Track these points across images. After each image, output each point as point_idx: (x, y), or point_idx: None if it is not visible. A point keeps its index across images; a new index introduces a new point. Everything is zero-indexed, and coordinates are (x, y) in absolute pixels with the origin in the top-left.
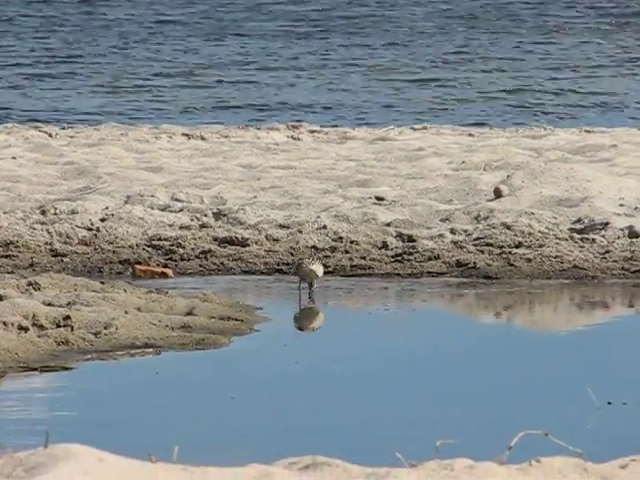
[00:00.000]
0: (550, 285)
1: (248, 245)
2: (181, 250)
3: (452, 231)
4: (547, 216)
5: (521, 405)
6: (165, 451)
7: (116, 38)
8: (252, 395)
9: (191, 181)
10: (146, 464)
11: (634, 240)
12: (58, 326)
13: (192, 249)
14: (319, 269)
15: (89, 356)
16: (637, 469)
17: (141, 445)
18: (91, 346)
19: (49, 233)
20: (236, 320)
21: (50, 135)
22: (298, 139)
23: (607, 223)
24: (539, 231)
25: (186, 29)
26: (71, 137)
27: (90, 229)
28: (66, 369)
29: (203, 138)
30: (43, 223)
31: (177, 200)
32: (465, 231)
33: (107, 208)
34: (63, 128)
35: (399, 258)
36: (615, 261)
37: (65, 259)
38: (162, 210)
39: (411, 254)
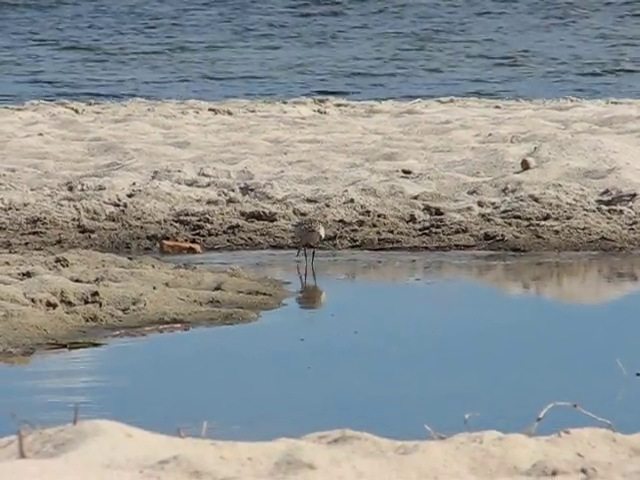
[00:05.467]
0: (578, 257)
1: (276, 220)
2: (209, 225)
3: (480, 204)
4: (574, 188)
5: (550, 377)
6: (194, 426)
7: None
8: (283, 369)
9: (218, 156)
10: (175, 439)
11: None
12: (86, 302)
13: (220, 224)
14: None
15: (117, 332)
16: None
17: (170, 421)
18: (119, 322)
19: (76, 209)
20: (264, 294)
21: (76, 111)
22: (325, 113)
23: (634, 194)
24: (567, 203)
25: None
26: (97, 113)
27: (117, 205)
28: (95, 345)
29: (230, 113)
30: (70, 199)
31: (204, 175)
32: (492, 204)
33: (134, 184)
34: (89, 104)
35: (427, 231)
36: None
37: (93, 235)
38: (189, 185)
39: (439, 227)
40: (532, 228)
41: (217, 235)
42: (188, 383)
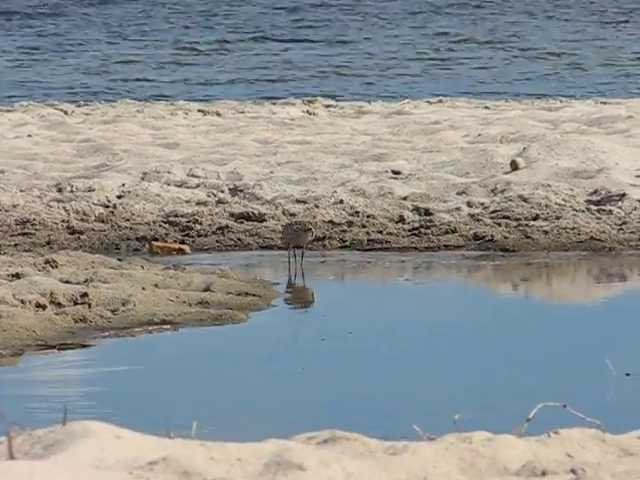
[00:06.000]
0: (567, 257)
1: (265, 220)
2: (198, 226)
3: (469, 204)
4: (564, 188)
5: (539, 377)
6: (183, 427)
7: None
8: (273, 370)
9: (207, 157)
10: (164, 440)
11: None
12: (76, 303)
13: (209, 225)
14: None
15: (107, 333)
16: None
17: (159, 421)
18: (109, 323)
19: (66, 211)
20: (254, 295)
21: (66, 113)
22: (314, 114)
23: (624, 194)
24: (556, 203)
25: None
26: (87, 114)
27: (107, 206)
28: (84, 346)
29: (219, 114)
30: (60, 201)
31: (193, 176)
32: (482, 204)
33: (123, 185)
34: (79, 106)
35: (416, 232)
36: (632, 232)
37: (82, 236)
38: (179, 186)
39: (428, 228)
40: (521, 228)
41: (206, 236)
42: (177, 384)
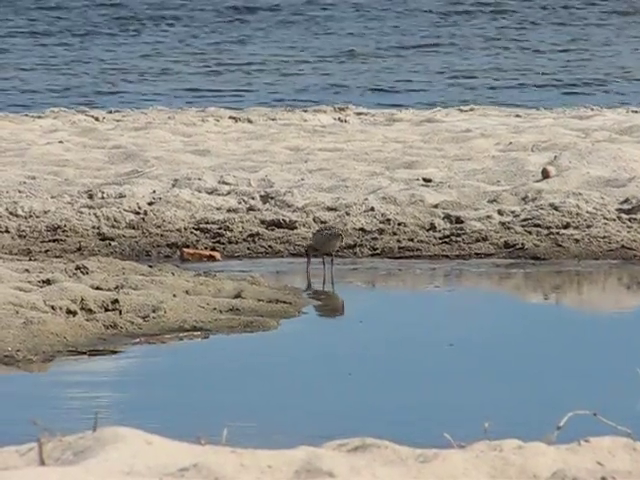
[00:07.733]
0: (598, 265)
1: (296, 228)
2: (229, 233)
3: (500, 212)
4: (595, 196)
5: (569, 385)
6: (214, 434)
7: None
8: (305, 377)
9: (238, 164)
10: (195, 447)
11: None
12: (106, 310)
13: (240, 232)
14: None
15: (137, 340)
16: None
17: (190, 428)
18: (139, 330)
19: (97, 217)
20: (284, 303)
21: (97, 119)
22: (345, 121)
23: None
24: (587, 211)
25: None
26: (118, 121)
27: (138, 213)
28: (114, 353)
29: (250, 121)
30: (91, 207)
31: (224, 183)
32: (513, 212)
33: (154, 192)
34: (110, 112)
35: (447, 240)
36: None
37: (113, 243)
38: (210, 193)
39: (459, 235)
40: (552, 237)
41: (237, 243)
42: (208, 391)
